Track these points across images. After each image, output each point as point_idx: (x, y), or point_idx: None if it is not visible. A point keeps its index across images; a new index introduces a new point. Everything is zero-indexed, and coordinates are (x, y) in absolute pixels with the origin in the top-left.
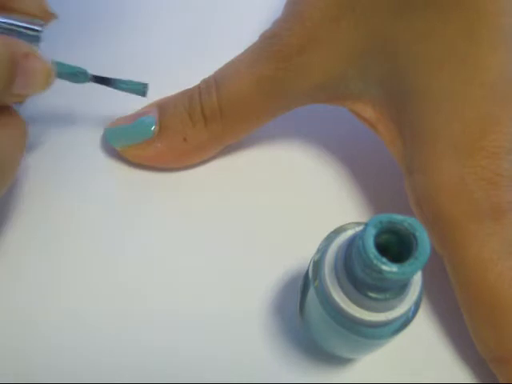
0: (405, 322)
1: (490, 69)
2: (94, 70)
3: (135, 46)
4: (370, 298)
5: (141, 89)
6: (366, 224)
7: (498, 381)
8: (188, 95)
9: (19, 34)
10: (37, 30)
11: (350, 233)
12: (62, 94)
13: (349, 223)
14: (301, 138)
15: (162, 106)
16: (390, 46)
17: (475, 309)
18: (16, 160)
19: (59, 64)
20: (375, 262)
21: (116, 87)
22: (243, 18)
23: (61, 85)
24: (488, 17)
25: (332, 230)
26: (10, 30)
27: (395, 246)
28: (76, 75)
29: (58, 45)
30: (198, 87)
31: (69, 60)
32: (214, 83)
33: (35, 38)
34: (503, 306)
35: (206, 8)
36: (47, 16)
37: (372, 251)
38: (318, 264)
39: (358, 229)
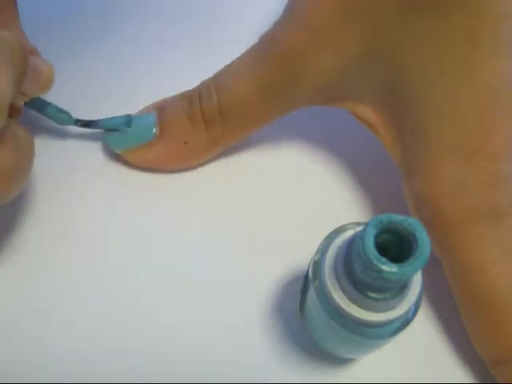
0: (405, 322)
1: (491, 72)
2: (93, 71)
3: (135, 47)
4: (370, 298)
5: (126, 122)
6: (366, 224)
7: (497, 381)
8: (188, 98)
9: None
10: None
11: (350, 233)
12: (62, 97)
13: (349, 223)
14: (301, 139)
15: (162, 109)
16: (391, 49)
17: (474, 311)
18: (30, 161)
19: (46, 104)
20: (375, 262)
21: (100, 127)
22: (243, 19)
23: (61, 88)
24: (489, 21)
25: (332, 230)
26: None
27: (395, 246)
28: (62, 117)
29: (58, 45)
30: (198, 90)
31: (69, 60)
32: (214, 86)
33: None
34: (501, 307)
35: (206, 9)
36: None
37: (372, 251)
38: (318, 264)
39: (358, 229)
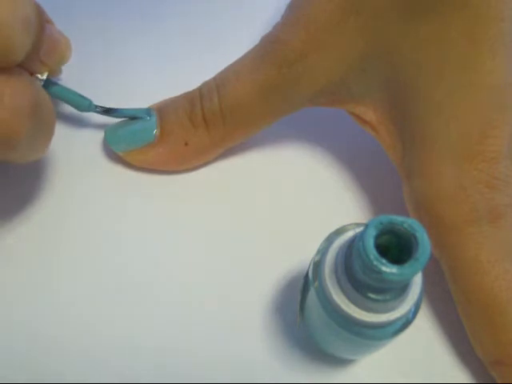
0: (405, 323)
1: (490, 73)
2: (93, 72)
3: (135, 47)
4: (371, 299)
5: (146, 111)
6: (367, 225)
7: (497, 381)
8: (188, 99)
9: None
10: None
11: (350, 234)
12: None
13: (349, 224)
14: (301, 139)
15: (162, 110)
16: (392, 50)
17: (473, 312)
18: (54, 118)
19: (66, 90)
20: (375, 263)
21: (120, 115)
22: (244, 20)
23: None
24: (488, 22)
25: (332, 230)
26: None
27: (395, 247)
28: (81, 103)
29: None
30: (199, 91)
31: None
32: (215, 87)
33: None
34: (500, 308)
35: (207, 9)
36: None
37: (372, 252)
38: (318, 265)
39: (359, 230)
